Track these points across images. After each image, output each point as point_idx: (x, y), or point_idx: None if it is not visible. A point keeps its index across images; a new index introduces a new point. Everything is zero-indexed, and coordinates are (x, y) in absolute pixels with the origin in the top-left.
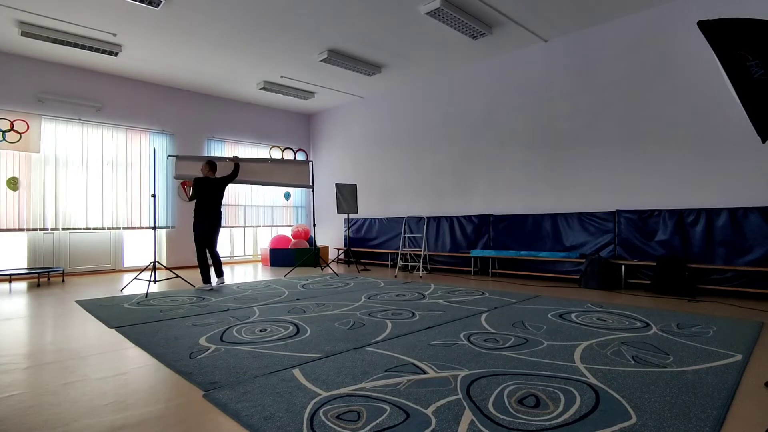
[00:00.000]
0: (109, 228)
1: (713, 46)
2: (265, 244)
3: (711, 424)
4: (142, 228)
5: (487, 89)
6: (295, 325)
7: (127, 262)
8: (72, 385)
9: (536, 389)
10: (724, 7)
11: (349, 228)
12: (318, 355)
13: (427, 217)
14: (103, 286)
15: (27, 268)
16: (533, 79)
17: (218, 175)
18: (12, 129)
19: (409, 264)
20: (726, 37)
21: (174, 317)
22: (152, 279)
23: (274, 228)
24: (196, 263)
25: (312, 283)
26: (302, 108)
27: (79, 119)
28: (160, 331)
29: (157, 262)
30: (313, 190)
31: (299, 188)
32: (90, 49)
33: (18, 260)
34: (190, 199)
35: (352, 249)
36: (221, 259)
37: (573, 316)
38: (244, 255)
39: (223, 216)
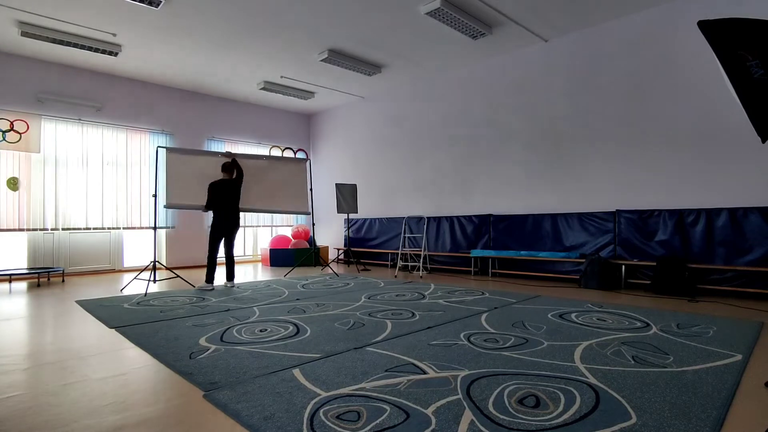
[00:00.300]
0: (109, 228)
1: (713, 46)
2: (265, 244)
3: (711, 424)
4: (142, 228)
5: (487, 89)
6: (295, 325)
7: (127, 263)
8: (72, 386)
9: (536, 389)
10: (724, 7)
11: (349, 228)
12: (318, 355)
13: (427, 217)
14: (103, 286)
15: (27, 268)
16: (533, 79)
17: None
18: (12, 129)
19: (409, 264)
20: (726, 37)
21: (174, 317)
22: (152, 278)
23: (274, 228)
24: (205, 263)
25: (312, 283)
26: (302, 108)
27: (79, 119)
28: (160, 331)
29: (158, 261)
30: (311, 190)
31: (298, 215)
32: (90, 49)
33: (18, 260)
34: (206, 209)
35: (352, 249)
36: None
37: (573, 316)
38: (244, 255)
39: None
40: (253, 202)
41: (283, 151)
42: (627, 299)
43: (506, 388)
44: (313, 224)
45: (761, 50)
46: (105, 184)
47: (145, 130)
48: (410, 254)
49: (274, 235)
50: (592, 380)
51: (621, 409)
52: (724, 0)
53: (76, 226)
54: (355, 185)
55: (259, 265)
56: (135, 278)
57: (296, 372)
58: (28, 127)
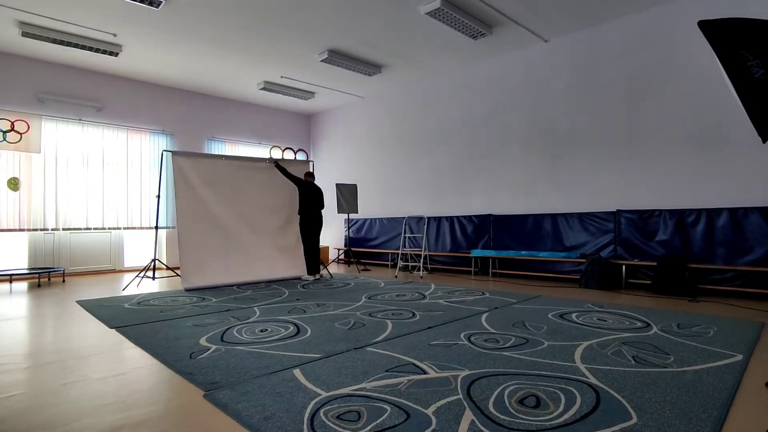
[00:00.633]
0: (109, 228)
1: (713, 46)
2: None
3: (711, 424)
4: (142, 228)
5: (487, 89)
6: (296, 325)
7: (128, 263)
8: (72, 385)
9: (537, 389)
10: (725, 7)
11: (349, 228)
12: (318, 355)
13: (428, 217)
14: (103, 286)
15: (27, 269)
16: (533, 79)
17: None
18: (12, 129)
19: (410, 264)
20: (726, 37)
21: (174, 317)
22: (152, 276)
23: None
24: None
25: (312, 282)
26: (302, 108)
27: (80, 119)
28: (161, 331)
29: (158, 260)
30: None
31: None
32: (90, 49)
33: (18, 260)
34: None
35: (353, 249)
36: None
37: (573, 316)
38: None
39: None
40: (251, 204)
41: (283, 151)
42: (627, 299)
43: (507, 388)
44: None
45: (761, 50)
46: (105, 184)
47: (146, 130)
48: (410, 254)
49: None
50: (593, 380)
51: (621, 409)
52: (724, 0)
53: (77, 226)
54: (355, 185)
55: None
56: (137, 277)
57: (296, 372)
58: (28, 128)
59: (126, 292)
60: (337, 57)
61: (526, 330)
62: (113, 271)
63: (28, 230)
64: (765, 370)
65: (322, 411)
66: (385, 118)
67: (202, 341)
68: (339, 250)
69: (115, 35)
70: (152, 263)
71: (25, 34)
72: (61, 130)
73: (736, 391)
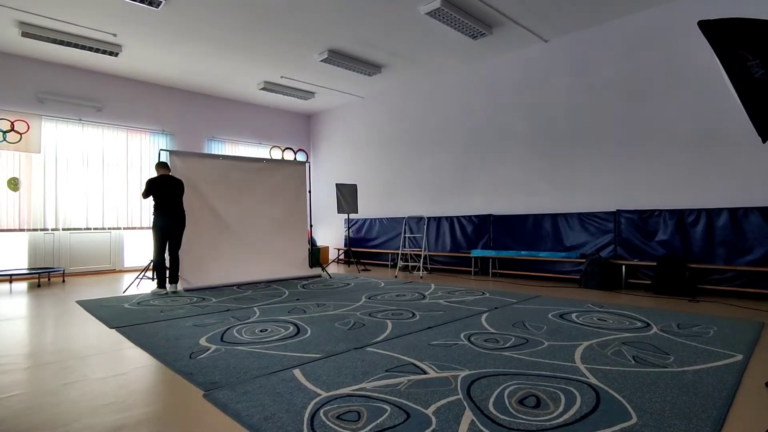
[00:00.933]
0: (109, 228)
1: (713, 46)
2: None
3: (711, 424)
4: (142, 228)
5: (487, 89)
6: (296, 325)
7: (128, 263)
8: (72, 385)
9: (537, 389)
10: (725, 7)
11: (349, 228)
12: (318, 356)
13: (427, 217)
14: (103, 287)
15: (27, 269)
16: (533, 79)
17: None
18: (12, 129)
19: (410, 264)
20: (726, 37)
21: (174, 317)
22: (152, 276)
23: None
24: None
25: (312, 283)
26: (302, 108)
27: (80, 119)
28: (161, 331)
29: None
30: (310, 192)
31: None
32: (90, 49)
33: (18, 260)
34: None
35: (353, 249)
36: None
37: (573, 316)
38: None
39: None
40: (251, 205)
41: (283, 151)
42: (627, 299)
43: (507, 388)
44: (310, 225)
45: (761, 50)
46: (105, 184)
47: (145, 130)
48: (410, 254)
49: None
50: (593, 380)
51: (621, 409)
52: (724, 0)
53: (77, 227)
54: (355, 185)
55: None
56: (137, 279)
57: (296, 372)
58: (28, 128)
59: (126, 293)
60: (337, 57)
61: (526, 330)
62: (113, 271)
63: (28, 230)
64: (765, 370)
65: (322, 411)
66: (385, 118)
67: (202, 341)
68: (339, 250)
69: (115, 35)
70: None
71: (25, 34)
72: (61, 130)
73: (736, 391)
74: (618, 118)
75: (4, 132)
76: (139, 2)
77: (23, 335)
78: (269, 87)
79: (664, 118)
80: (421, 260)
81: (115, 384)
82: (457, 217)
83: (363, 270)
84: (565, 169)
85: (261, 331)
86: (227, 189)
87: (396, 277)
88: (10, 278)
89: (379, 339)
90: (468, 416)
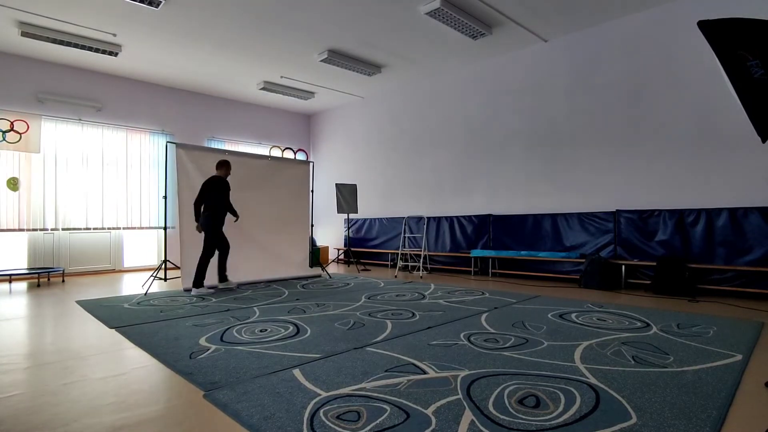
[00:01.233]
0: (109, 228)
1: (713, 46)
2: None
3: (711, 424)
4: (142, 228)
5: (487, 89)
6: (295, 325)
7: (128, 263)
8: (72, 386)
9: (536, 389)
10: (724, 7)
11: (349, 228)
12: (318, 356)
13: (427, 217)
14: (103, 287)
15: (27, 269)
16: (533, 79)
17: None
18: (12, 129)
19: (409, 264)
20: (726, 37)
21: (174, 317)
22: (164, 277)
23: None
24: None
25: (312, 283)
26: (302, 108)
27: (79, 119)
28: (160, 331)
29: (168, 261)
30: (312, 192)
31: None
32: (90, 49)
33: (18, 260)
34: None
35: (352, 249)
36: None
37: (573, 316)
38: None
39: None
40: (253, 203)
41: (283, 151)
42: (627, 299)
43: (506, 388)
44: (311, 224)
45: (761, 50)
46: (105, 184)
47: (145, 130)
48: (410, 254)
49: None
50: (593, 380)
51: (621, 409)
52: (724, 0)
53: (76, 226)
54: (355, 185)
55: None
56: (151, 278)
57: (296, 372)
58: (28, 127)
59: (126, 292)
60: (337, 57)
61: (526, 330)
62: (113, 271)
63: (28, 230)
64: (765, 370)
65: (321, 411)
66: (385, 118)
67: (202, 341)
68: (339, 250)
69: (114, 35)
70: (163, 264)
71: (24, 34)
72: (61, 130)
73: (735, 391)
74: (618, 118)
75: (4, 132)
76: (139, 2)
77: (23, 335)
78: (269, 87)
79: (664, 118)
80: (421, 260)
81: (115, 384)
82: (457, 217)
83: (363, 270)
84: (565, 169)
85: (261, 331)
86: (232, 185)
87: (396, 277)
88: (10, 278)
89: (378, 339)
90: (468, 416)
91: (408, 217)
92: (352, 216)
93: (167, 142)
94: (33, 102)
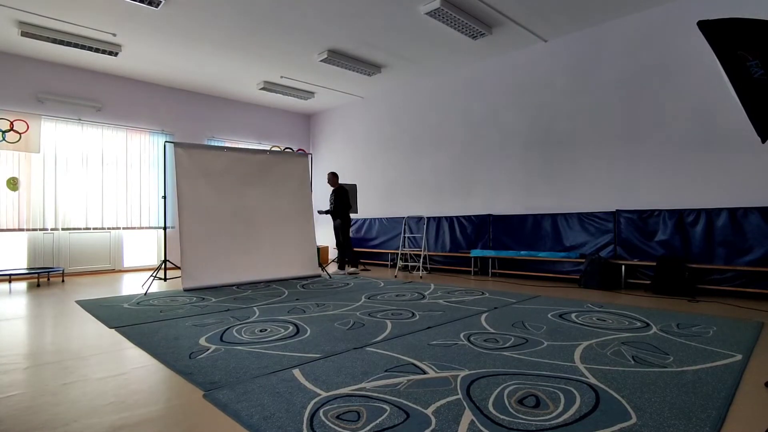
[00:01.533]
0: (108, 228)
1: (713, 46)
2: None
3: (711, 424)
4: (141, 228)
5: (487, 89)
6: (295, 325)
7: (127, 263)
8: (72, 385)
9: (536, 389)
10: (724, 7)
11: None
12: (318, 355)
13: (427, 217)
14: (103, 286)
15: (27, 268)
16: (533, 79)
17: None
18: (12, 129)
19: (409, 264)
20: (726, 37)
21: (174, 317)
22: (164, 277)
23: None
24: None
25: (311, 282)
26: (302, 108)
27: (79, 119)
28: (160, 331)
29: (168, 261)
30: (311, 190)
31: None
32: (90, 49)
33: (18, 260)
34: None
35: (352, 249)
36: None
37: (573, 316)
38: None
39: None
40: (253, 200)
41: (283, 150)
42: (627, 299)
43: (506, 388)
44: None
45: (761, 50)
46: (105, 184)
47: (145, 130)
48: (410, 254)
49: None
50: (592, 380)
51: (621, 409)
52: (724, 0)
53: (76, 226)
54: (355, 185)
55: None
56: (151, 277)
57: (296, 372)
58: (28, 127)
59: (125, 292)
60: (337, 57)
61: (526, 330)
62: (113, 271)
63: (28, 230)
64: (764, 370)
65: (321, 411)
66: (385, 118)
67: (202, 341)
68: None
69: (114, 35)
70: (163, 264)
71: (24, 34)
72: (61, 130)
73: (735, 391)
74: (617, 118)
75: (4, 132)
76: (139, 2)
77: (23, 335)
78: (269, 87)
79: (664, 117)
80: (421, 260)
81: (115, 384)
82: (457, 217)
83: (363, 270)
84: (564, 169)
85: (260, 331)
86: (231, 183)
87: (396, 277)
88: (10, 278)
89: (378, 339)
90: (468, 416)
91: (408, 217)
92: (352, 216)
93: (165, 141)
94: (33, 102)
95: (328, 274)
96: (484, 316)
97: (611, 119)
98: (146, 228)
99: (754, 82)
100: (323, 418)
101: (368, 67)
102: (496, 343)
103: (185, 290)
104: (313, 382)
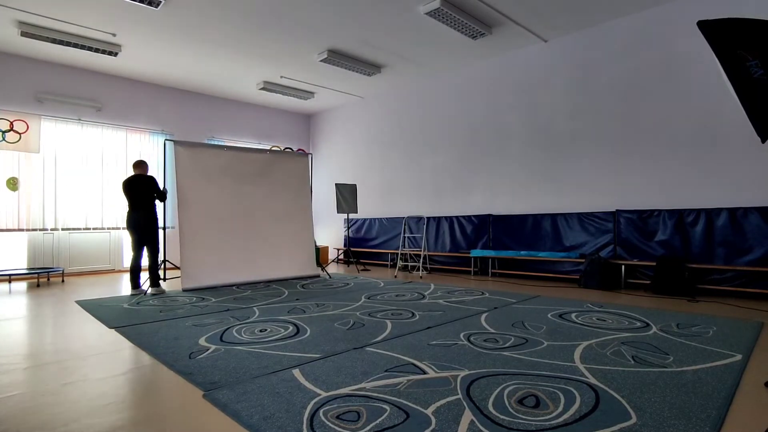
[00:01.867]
0: (108, 228)
1: (713, 46)
2: None
3: (711, 424)
4: None
5: (487, 89)
6: (295, 325)
7: (127, 263)
8: (72, 386)
9: (536, 389)
10: (724, 7)
11: (349, 228)
12: (318, 355)
13: (427, 217)
14: (103, 286)
15: (27, 269)
16: (533, 79)
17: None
18: (12, 129)
19: (409, 264)
20: (726, 37)
21: (174, 317)
22: (163, 277)
23: None
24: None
25: (312, 283)
26: (302, 108)
27: (79, 119)
28: (160, 331)
29: (168, 261)
30: (311, 191)
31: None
32: (90, 49)
33: (18, 260)
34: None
35: (352, 249)
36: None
37: (573, 316)
38: None
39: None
40: (253, 199)
41: (283, 151)
42: (627, 299)
43: (506, 388)
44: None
45: (761, 50)
46: (105, 184)
47: (145, 130)
48: (410, 254)
49: None
50: (592, 380)
51: (621, 409)
52: (724, 0)
53: (76, 226)
54: (355, 185)
55: None
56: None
57: (296, 372)
58: (27, 127)
59: (125, 292)
60: (337, 57)
61: (526, 330)
62: (112, 271)
63: (28, 230)
64: (764, 369)
65: (321, 411)
66: (385, 118)
67: (202, 341)
68: (338, 250)
69: (114, 35)
70: (163, 264)
71: (24, 34)
72: (61, 130)
73: (735, 391)
74: (617, 118)
75: (4, 132)
76: (139, 2)
77: (23, 335)
78: (269, 87)
79: (664, 118)
80: (421, 260)
81: (115, 384)
82: (457, 217)
83: (362, 270)
84: (564, 169)
85: (260, 331)
86: (231, 182)
87: (395, 277)
88: (10, 278)
89: (378, 339)
90: (468, 416)
91: (408, 217)
92: (351, 216)
93: (165, 139)
94: (33, 102)
95: (328, 274)
96: (484, 316)
97: (611, 119)
98: None
99: (754, 82)
100: (323, 418)
101: (368, 67)
102: (496, 343)
103: (184, 290)
104: (313, 382)
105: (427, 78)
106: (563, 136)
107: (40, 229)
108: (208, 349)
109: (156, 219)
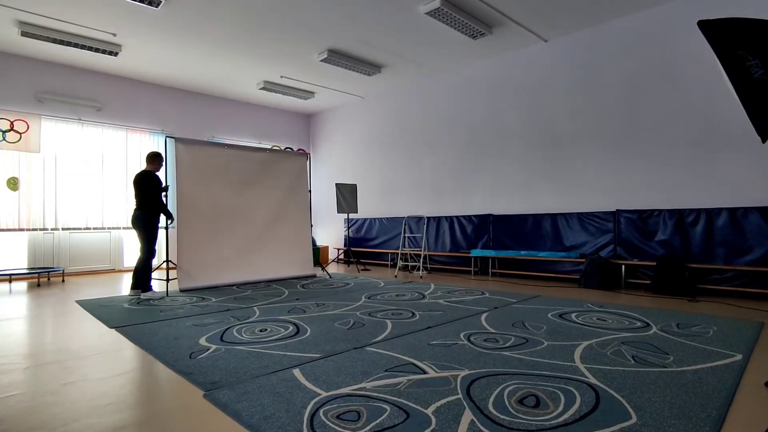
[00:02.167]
0: (108, 228)
1: (713, 45)
2: None
3: (711, 423)
4: None
5: (487, 89)
6: (295, 325)
7: (128, 262)
8: (72, 386)
9: (536, 389)
10: (724, 7)
11: (349, 228)
12: (318, 355)
13: (427, 217)
14: (103, 286)
15: (27, 268)
16: (533, 79)
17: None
18: (12, 129)
19: (409, 264)
20: (726, 36)
21: (174, 317)
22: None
23: None
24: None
25: (312, 282)
26: (302, 108)
27: (79, 119)
28: (160, 331)
29: (169, 260)
30: (310, 191)
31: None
32: (90, 49)
33: (18, 260)
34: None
35: (352, 249)
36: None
37: (573, 316)
38: None
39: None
40: (252, 198)
41: (283, 150)
42: (627, 299)
43: (506, 387)
44: (310, 224)
45: (761, 50)
46: (105, 184)
47: (145, 130)
48: (410, 254)
49: None
50: (592, 380)
51: (621, 409)
52: (724, 0)
53: (76, 226)
54: (355, 185)
55: None
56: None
57: (296, 372)
58: (28, 127)
59: (125, 292)
60: (337, 57)
61: (526, 330)
62: (113, 270)
63: (28, 230)
64: (764, 369)
65: (321, 411)
66: (385, 118)
67: (202, 341)
68: (339, 249)
69: (114, 35)
70: (164, 264)
71: (24, 34)
72: (61, 130)
73: (735, 391)
74: (618, 117)
75: (4, 132)
76: (139, 2)
77: (23, 335)
78: (269, 87)
79: (664, 117)
80: (421, 260)
81: (115, 384)
82: (457, 217)
83: (363, 270)
84: (565, 169)
85: (261, 330)
86: (230, 181)
87: (396, 276)
88: (10, 278)
89: (378, 339)
90: (468, 416)
91: (408, 217)
92: (352, 216)
93: (166, 137)
94: (33, 102)
95: (328, 273)
96: (484, 316)
97: (611, 119)
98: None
99: (754, 81)
100: (323, 418)
101: (368, 67)
102: (496, 343)
103: (181, 290)
104: (313, 382)
105: (427, 78)
106: (563, 136)
107: (41, 229)
108: (208, 349)
109: (153, 218)
